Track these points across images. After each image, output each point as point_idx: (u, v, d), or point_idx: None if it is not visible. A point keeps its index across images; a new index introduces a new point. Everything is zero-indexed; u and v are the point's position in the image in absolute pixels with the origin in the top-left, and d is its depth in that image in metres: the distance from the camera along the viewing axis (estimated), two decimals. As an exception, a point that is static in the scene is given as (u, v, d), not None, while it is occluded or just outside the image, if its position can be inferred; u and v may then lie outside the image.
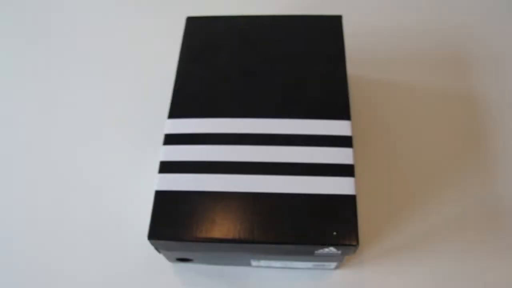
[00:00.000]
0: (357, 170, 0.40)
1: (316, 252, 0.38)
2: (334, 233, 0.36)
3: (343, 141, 0.41)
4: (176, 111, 0.44)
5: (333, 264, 0.43)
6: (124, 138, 0.56)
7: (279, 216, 0.38)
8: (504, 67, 0.60)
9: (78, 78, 0.62)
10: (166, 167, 0.41)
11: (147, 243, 0.44)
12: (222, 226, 0.37)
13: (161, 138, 0.42)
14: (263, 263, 0.44)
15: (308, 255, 0.40)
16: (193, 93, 0.46)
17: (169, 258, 0.44)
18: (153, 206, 0.39)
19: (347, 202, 0.38)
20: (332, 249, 0.37)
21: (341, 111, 0.43)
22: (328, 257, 0.40)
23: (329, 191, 0.39)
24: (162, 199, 0.39)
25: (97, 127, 0.57)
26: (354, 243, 0.36)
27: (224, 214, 0.38)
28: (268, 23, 0.51)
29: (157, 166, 0.41)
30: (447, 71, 0.60)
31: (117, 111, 0.58)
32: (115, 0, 0.70)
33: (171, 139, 0.43)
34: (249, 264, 0.45)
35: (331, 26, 0.49)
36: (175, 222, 0.38)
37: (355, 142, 0.41)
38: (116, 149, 0.55)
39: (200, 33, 0.50)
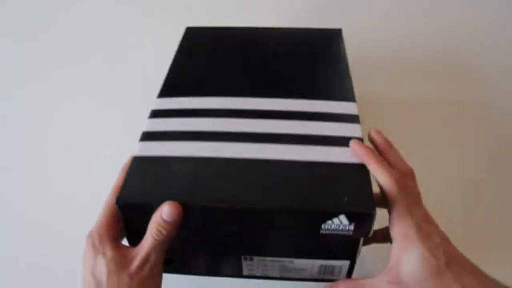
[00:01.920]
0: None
1: (322, 227, 0.31)
2: (345, 198, 0.30)
3: (350, 118, 0.37)
4: (165, 92, 0.41)
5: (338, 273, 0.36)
6: (124, 138, 0.53)
7: (278, 182, 0.32)
8: (506, 77, 0.59)
9: (78, 78, 0.61)
10: (148, 136, 0.36)
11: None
12: (210, 190, 0.32)
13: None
14: (256, 267, 0.37)
15: (311, 237, 0.33)
16: (185, 78, 0.43)
17: None
18: (128, 171, 0.33)
19: (359, 170, 0.32)
20: (343, 220, 0.30)
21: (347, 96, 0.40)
22: (336, 245, 0.34)
23: (337, 159, 0.33)
24: (139, 164, 0.34)
25: (97, 127, 0.56)
26: (370, 210, 0.29)
27: (211, 179, 0.32)
28: (268, 35, 0.51)
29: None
30: (449, 81, 0.59)
31: (117, 111, 0.57)
32: (116, 0, 0.71)
33: (157, 114, 0.39)
34: (240, 273, 0.37)
35: (331, 39, 0.48)
36: (151, 185, 0.32)
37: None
38: (116, 149, 0.52)
39: (199, 40, 0.49)
